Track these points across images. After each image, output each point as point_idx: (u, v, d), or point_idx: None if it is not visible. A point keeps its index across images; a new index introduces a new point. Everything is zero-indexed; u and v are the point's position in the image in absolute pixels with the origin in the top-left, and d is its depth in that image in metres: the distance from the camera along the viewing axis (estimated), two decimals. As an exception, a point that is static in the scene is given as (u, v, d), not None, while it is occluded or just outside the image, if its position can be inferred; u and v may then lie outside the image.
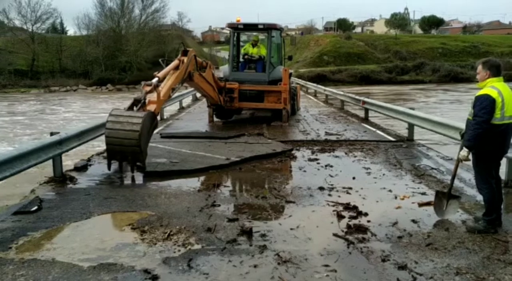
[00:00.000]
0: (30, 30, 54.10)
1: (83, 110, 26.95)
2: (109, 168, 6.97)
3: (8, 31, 53.83)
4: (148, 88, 7.34)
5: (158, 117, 14.17)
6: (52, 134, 6.76)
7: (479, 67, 4.53)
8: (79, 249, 4.17)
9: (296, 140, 9.94)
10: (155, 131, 11.50)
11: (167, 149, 8.45)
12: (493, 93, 4.31)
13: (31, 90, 45.37)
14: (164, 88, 7.72)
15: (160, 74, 7.92)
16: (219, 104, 11.93)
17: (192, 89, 16.48)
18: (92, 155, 8.53)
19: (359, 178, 6.71)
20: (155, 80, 7.57)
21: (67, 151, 7.01)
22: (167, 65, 8.49)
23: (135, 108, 7.00)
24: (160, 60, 9.37)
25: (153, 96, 7.35)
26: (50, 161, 6.65)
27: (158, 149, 8.40)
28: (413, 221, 4.85)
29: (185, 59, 8.68)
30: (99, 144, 10.09)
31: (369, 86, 41.95)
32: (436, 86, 42.79)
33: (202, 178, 6.78)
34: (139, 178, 6.84)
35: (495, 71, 4.45)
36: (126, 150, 6.63)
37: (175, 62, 8.52)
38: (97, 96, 39.65)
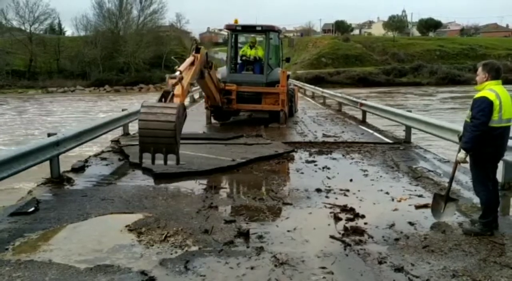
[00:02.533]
0: (28, 30, 54.12)
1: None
2: (140, 162, 6.83)
3: (6, 31, 53.79)
4: (173, 81, 7.43)
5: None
6: (49, 135, 6.75)
7: (479, 69, 4.54)
8: (76, 250, 4.16)
9: (293, 142, 9.95)
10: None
11: None
12: (491, 96, 4.33)
13: (28, 91, 45.37)
14: (185, 82, 7.87)
15: (181, 67, 8.13)
16: (219, 105, 11.98)
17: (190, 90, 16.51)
18: (89, 156, 8.51)
19: (356, 180, 6.71)
20: (177, 73, 7.71)
21: (64, 152, 6.99)
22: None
23: (163, 100, 7.05)
24: (172, 57, 9.65)
25: (177, 89, 7.43)
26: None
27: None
28: (410, 223, 4.85)
29: (199, 56, 8.94)
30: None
31: (349, 89, 41.51)
32: (402, 89, 42.53)
33: (199, 179, 6.78)
34: (138, 179, 6.83)
35: (495, 74, 4.46)
36: (160, 142, 6.54)
37: (190, 58, 8.75)
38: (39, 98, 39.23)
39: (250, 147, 9.08)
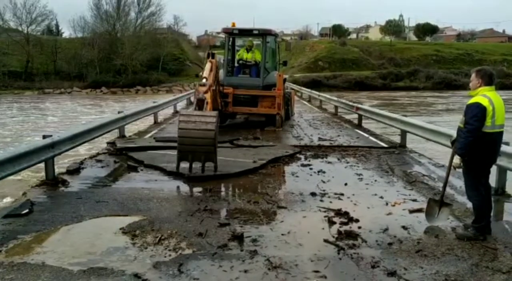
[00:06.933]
0: (25, 31, 53.90)
1: None
2: (177, 169, 6.85)
3: (2, 32, 53.59)
4: (204, 88, 7.59)
5: (152, 121, 14.33)
6: (44, 137, 6.73)
7: (473, 75, 4.60)
8: (69, 253, 4.15)
9: (289, 145, 9.95)
10: (149, 135, 11.57)
11: None
12: (484, 102, 4.37)
13: (25, 92, 45.22)
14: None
15: (205, 73, 8.44)
16: (219, 108, 11.98)
17: (187, 92, 16.55)
18: (85, 158, 8.50)
19: (351, 184, 6.74)
20: (204, 80, 7.88)
21: (59, 154, 6.97)
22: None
23: (197, 108, 7.20)
24: (188, 62, 9.97)
25: (208, 96, 7.66)
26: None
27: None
28: (404, 227, 4.87)
29: (214, 61, 9.20)
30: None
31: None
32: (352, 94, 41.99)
33: (194, 182, 6.76)
34: (133, 182, 6.82)
35: (487, 79, 4.51)
36: (199, 150, 6.60)
37: (208, 64, 9.02)
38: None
39: (257, 149, 9.13)
